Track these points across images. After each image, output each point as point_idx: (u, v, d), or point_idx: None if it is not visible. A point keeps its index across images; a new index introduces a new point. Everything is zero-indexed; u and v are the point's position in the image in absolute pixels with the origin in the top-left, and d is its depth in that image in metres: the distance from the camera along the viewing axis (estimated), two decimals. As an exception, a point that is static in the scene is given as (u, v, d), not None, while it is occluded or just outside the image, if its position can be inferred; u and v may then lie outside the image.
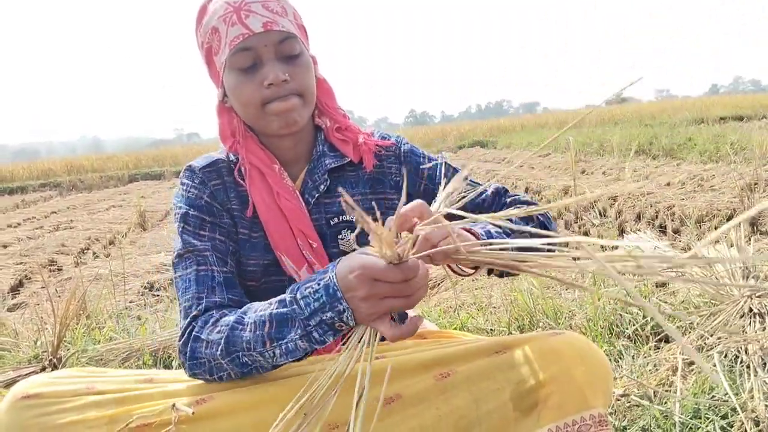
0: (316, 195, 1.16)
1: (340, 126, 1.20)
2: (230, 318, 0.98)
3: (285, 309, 0.92)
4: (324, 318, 0.88)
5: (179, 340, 1.02)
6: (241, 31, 1.03)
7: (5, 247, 6.40)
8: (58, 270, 5.15)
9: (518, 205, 1.19)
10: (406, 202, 1.19)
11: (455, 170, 1.26)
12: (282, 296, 0.94)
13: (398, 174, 1.21)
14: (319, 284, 0.89)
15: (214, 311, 1.03)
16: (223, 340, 0.95)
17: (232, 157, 1.18)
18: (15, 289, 4.47)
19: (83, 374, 1.03)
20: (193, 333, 1.00)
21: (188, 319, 1.02)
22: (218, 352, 0.96)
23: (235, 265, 1.13)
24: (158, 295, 3.75)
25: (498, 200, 1.23)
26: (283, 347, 0.91)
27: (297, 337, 0.90)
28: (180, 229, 1.11)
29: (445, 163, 1.25)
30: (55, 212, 9.95)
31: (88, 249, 6.07)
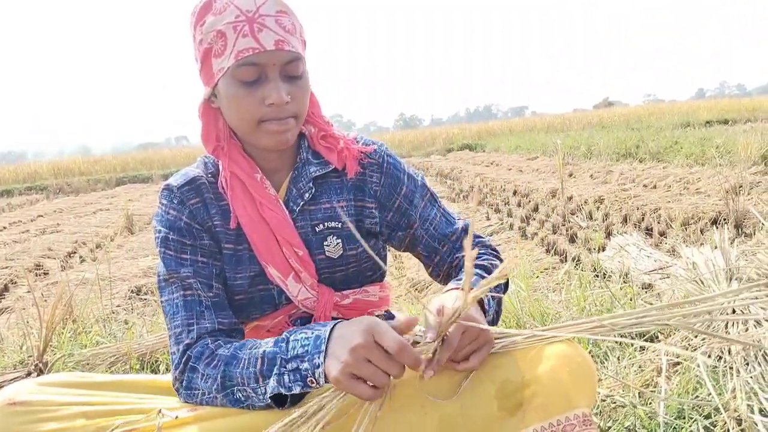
0: (301, 203, 1.16)
1: (325, 134, 1.19)
2: (226, 352, 1.00)
3: (276, 348, 0.95)
4: (300, 366, 0.91)
5: (175, 369, 1.03)
6: (252, 45, 1.00)
7: (-10, 251, 6.34)
8: (45, 274, 5.10)
9: (484, 253, 1.24)
10: (379, 214, 1.21)
11: (432, 195, 1.27)
12: (280, 336, 0.97)
13: (378, 184, 1.21)
14: (312, 332, 0.93)
15: (208, 339, 1.04)
16: (219, 375, 0.98)
17: (211, 168, 1.17)
18: (0, 294, 4.43)
19: (71, 379, 1.03)
20: (190, 363, 1.01)
21: (182, 347, 1.03)
22: (214, 387, 0.98)
23: (221, 286, 1.12)
24: (145, 299, 3.74)
25: (464, 236, 1.26)
26: (270, 385, 0.94)
27: (275, 375, 0.93)
28: (162, 254, 1.10)
29: (423, 185, 1.27)
30: (42, 216, 9.86)
31: (74, 253, 6.02)
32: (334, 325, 0.93)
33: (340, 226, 1.17)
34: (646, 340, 1.91)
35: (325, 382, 0.90)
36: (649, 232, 4.23)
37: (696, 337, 1.77)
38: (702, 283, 2.05)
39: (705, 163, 7.17)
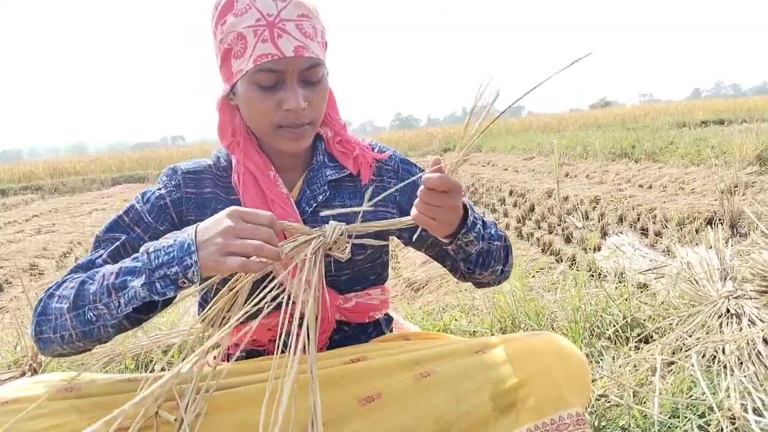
0: (314, 205, 1.15)
1: (341, 138, 1.20)
2: (83, 275, 0.99)
3: (135, 263, 0.94)
4: (169, 273, 0.90)
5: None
6: (271, 52, 0.99)
7: (-15, 251, 6.32)
8: (40, 274, 5.10)
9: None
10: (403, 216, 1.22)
11: None
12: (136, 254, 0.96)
13: (397, 190, 1.22)
14: (174, 241, 0.92)
15: (72, 274, 1.04)
16: (72, 295, 0.96)
17: (223, 163, 1.17)
18: (-5, 294, 4.41)
19: (65, 377, 1.02)
20: (50, 291, 1.01)
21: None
22: (66, 306, 0.96)
23: None
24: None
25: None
26: (127, 296, 0.92)
27: (139, 285, 0.91)
28: (117, 217, 1.12)
29: None
30: (37, 215, 9.83)
31: (70, 252, 6.01)
32: (196, 227, 0.93)
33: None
34: (640, 341, 1.91)
35: (200, 278, 0.90)
36: (644, 232, 4.25)
37: (690, 336, 1.77)
38: (697, 282, 2.06)
39: (700, 163, 7.18)
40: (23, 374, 2.04)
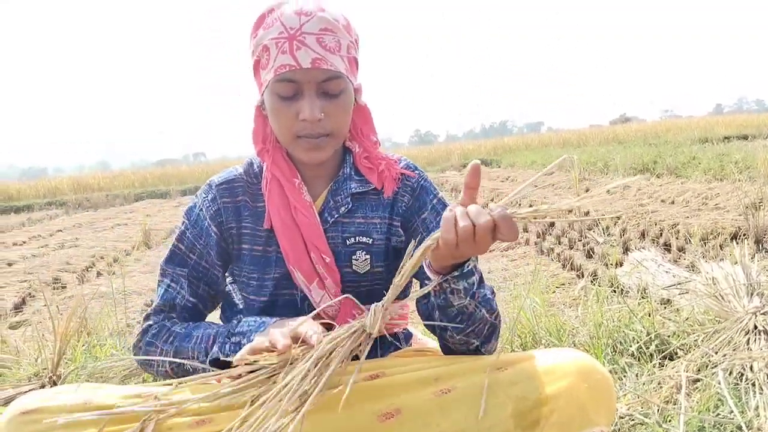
0: (336, 215, 1.18)
1: (369, 155, 1.22)
2: (180, 330, 1.15)
3: (225, 328, 1.11)
4: (242, 342, 1.04)
5: (135, 338, 1.19)
6: (289, 62, 1.04)
7: (10, 265, 6.40)
8: (62, 288, 5.15)
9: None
10: (404, 233, 1.22)
11: None
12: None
13: (406, 204, 1.22)
14: (262, 318, 1.09)
15: (165, 318, 1.19)
16: (173, 350, 1.12)
17: (255, 169, 1.22)
18: (18, 307, 4.46)
19: (84, 389, 1.02)
20: (147, 338, 1.16)
21: (144, 325, 1.19)
22: (168, 360, 1.12)
23: (207, 289, 1.22)
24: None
25: None
26: (213, 351, 1.08)
27: (217, 346, 1.08)
28: (174, 245, 1.22)
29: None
30: (61, 230, 9.96)
31: (92, 267, 6.07)
32: (280, 319, 1.08)
33: (370, 242, 1.19)
34: (664, 357, 1.87)
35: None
36: (667, 247, 4.18)
37: (716, 353, 1.73)
38: (722, 298, 2.01)
39: (724, 178, 7.08)
40: (43, 386, 2.06)
